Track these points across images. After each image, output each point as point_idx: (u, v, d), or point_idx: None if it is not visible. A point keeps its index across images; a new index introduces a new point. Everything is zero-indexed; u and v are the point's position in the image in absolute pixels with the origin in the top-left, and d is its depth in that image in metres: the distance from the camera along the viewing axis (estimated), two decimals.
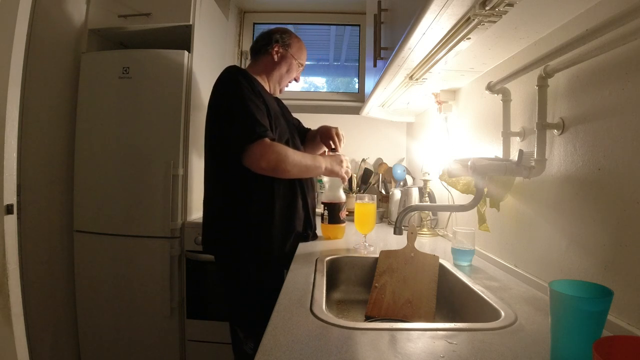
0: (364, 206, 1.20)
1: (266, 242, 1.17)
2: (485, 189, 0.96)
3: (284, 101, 1.44)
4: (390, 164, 2.07)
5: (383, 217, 1.83)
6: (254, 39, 1.39)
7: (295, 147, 1.26)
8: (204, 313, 1.71)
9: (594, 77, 0.69)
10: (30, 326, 1.32)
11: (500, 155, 0.98)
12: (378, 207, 1.74)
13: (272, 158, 1.11)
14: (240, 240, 1.16)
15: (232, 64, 1.88)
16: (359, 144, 2.20)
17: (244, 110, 1.12)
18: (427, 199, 1.54)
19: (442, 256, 1.04)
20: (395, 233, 1.00)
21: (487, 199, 1.02)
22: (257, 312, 1.10)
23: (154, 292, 1.67)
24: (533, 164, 0.81)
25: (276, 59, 1.32)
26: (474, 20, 0.72)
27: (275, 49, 1.31)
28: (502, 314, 0.68)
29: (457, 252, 1.03)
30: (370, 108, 1.76)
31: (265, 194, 1.18)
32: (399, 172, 1.82)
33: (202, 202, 1.29)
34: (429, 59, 0.99)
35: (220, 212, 1.21)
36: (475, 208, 0.97)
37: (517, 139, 0.95)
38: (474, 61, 1.03)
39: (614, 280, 0.63)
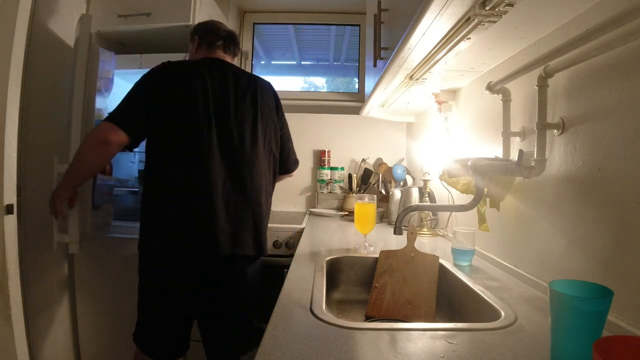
0: (364, 206, 1.20)
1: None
2: (485, 189, 0.96)
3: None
4: (390, 164, 2.07)
5: (383, 217, 1.83)
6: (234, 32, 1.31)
7: None
8: None
9: (594, 77, 0.69)
10: (30, 326, 1.32)
11: (500, 155, 0.98)
12: (378, 207, 1.73)
13: None
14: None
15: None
16: (359, 144, 2.20)
17: None
18: (427, 199, 1.54)
19: (442, 256, 1.04)
20: (395, 233, 1.00)
21: (487, 199, 1.02)
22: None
23: None
24: (533, 164, 0.81)
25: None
26: (474, 20, 0.72)
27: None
28: (502, 314, 0.68)
29: (457, 252, 1.03)
30: (370, 108, 1.76)
31: None
32: (399, 172, 1.82)
33: None
34: (429, 59, 0.99)
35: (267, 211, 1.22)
36: (475, 208, 0.97)
37: (517, 139, 0.95)
38: (474, 61, 1.03)
39: (614, 280, 0.63)
